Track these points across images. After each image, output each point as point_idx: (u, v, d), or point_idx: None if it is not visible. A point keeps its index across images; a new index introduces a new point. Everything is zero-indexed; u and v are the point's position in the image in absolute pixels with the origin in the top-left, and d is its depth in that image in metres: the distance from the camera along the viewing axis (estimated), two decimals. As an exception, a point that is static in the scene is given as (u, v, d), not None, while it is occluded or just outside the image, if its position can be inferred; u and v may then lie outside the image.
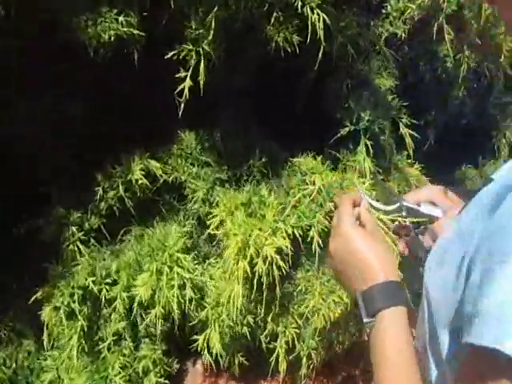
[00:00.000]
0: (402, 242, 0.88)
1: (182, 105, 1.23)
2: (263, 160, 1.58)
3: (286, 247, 1.23)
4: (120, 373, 1.44)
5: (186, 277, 1.28)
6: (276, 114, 1.68)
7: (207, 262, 1.55)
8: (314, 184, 1.43)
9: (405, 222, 0.89)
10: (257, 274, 1.18)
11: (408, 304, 0.67)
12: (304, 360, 1.47)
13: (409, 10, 1.67)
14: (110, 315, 1.53)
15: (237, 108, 1.64)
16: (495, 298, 0.42)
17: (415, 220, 0.89)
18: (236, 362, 1.54)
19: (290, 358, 1.44)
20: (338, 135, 1.50)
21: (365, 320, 0.66)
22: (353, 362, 1.81)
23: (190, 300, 1.29)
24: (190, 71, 1.20)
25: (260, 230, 1.21)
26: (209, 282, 1.39)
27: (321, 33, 1.27)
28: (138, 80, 1.40)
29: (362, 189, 0.98)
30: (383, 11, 1.70)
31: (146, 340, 1.58)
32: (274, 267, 1.19)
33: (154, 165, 1.51)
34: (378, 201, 0.93)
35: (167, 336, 1.63)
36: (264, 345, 1.46)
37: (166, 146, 1.60)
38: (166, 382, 1.63)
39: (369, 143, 1.51)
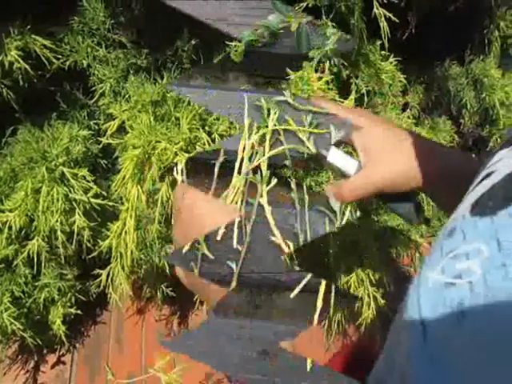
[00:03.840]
0: None
1: None
2: (193, 42, 1.18)
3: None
4: (10, 308, 1.17)
5: (75, 198, 0.95)
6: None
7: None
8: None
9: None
10: (159, 200, 0.87)
11: None
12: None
13: None
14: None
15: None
16: None
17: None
18: (159, 293, 1.29)
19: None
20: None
21: None
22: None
23: (83, 228, 0.98)
24: None
25: (170, 140, 0.86)
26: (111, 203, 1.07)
27: None
28: None
29: None
30: None
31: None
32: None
33: (41, 42, 1.09)
34: None
35: (77, 258, 1.34)
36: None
37: (61, 18, 1.17)
38: (78, 312, 1.38)
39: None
